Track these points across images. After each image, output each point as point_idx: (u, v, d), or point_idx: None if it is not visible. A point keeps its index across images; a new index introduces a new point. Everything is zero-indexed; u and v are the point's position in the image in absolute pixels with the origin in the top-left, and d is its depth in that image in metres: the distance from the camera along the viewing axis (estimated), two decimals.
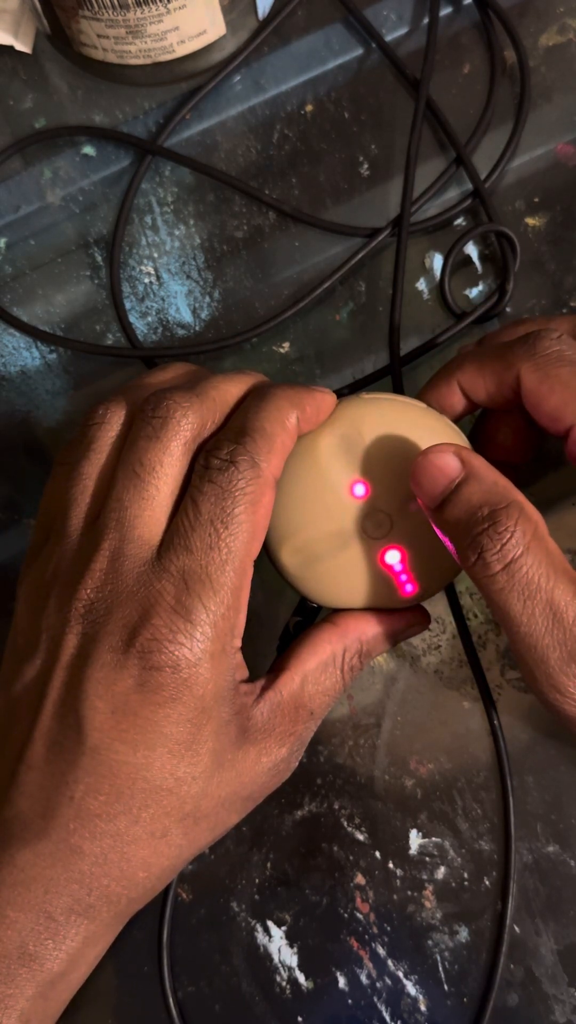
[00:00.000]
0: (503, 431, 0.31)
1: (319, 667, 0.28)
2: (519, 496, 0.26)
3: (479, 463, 0.26)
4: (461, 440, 0.29)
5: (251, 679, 0.27)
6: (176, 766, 0.25)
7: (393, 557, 0.29)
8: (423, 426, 0.29)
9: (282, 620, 0.31)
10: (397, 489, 0.28)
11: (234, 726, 0.26)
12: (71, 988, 0.26)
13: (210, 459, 0.26)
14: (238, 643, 0.26)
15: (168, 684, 0.24)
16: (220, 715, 0.25)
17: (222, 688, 0.25)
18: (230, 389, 0.28)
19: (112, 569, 0.25)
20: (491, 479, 0.26)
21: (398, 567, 0.29)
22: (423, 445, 0.28)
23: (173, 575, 0.25)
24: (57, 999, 0.26)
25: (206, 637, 0.24)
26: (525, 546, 0.25)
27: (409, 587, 0.29)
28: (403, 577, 0.29)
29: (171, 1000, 0.33)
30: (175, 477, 0.26)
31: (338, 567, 0.29)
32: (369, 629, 0.29)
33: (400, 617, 0.30)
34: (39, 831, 0.24)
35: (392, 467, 0.28)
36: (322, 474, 0.28)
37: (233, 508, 0.25)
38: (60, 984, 0.25)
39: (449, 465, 0.26)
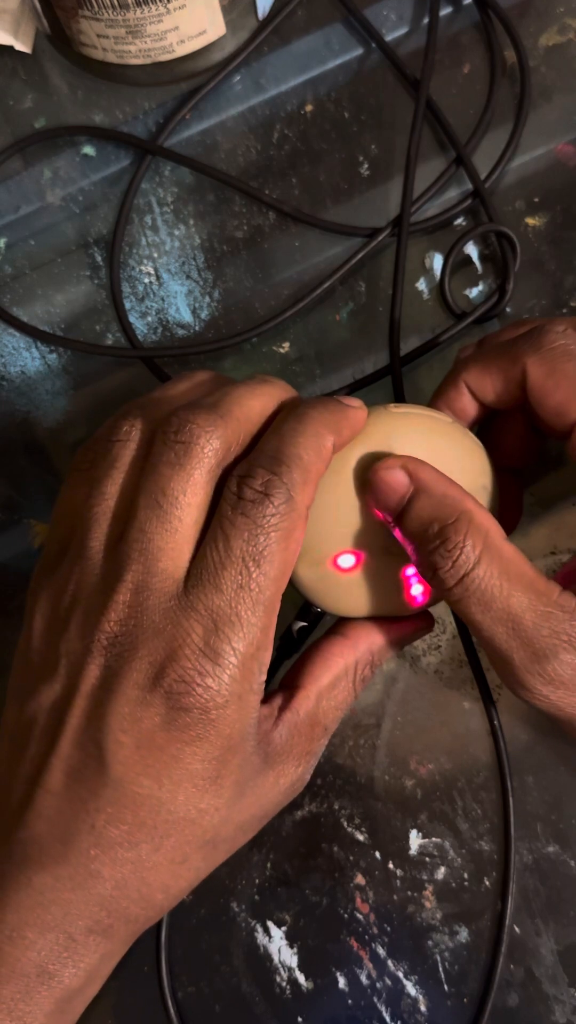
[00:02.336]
0: (506, 437, 0.31)
1: (333, 681, 0.28)
2: (469, 505, 0.26)
3: (428, 476, 0.26)
4: (483, 454, 0.29)
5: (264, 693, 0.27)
6: (200, 799, 0.25)
7: (410, 571, 0.28)
8: (452, 443, 0.28)
9: (284, 623, 0.31)
10: None
11: (257, 756, 0.26)
12: (86, 1001, 0.26)
13: (243, 488, 0.25)
14: (263, 678, 0.25)
15: (196, 724, 0.24)
16: (245, 749, 0.25)
17: (248, 725, 0.25)
18: (254, 405, 0.27)
19: (136, 602, 0.24)
20: (440, 491, 0.26)
21: (413, 579, 0.29)
22: (452, 462, 0.28)
23: (202, 614, 0.24)
24: (72, 1012, 0.26)
25: (234, 680, 0.24)
26: (476, 558, 0.25)
27: (421, 597, 0.29)
28: (416, 588, 0.29)
29: (169, 1000, 0.33)
30: (199, 506, 0.25)
31: (356, 582, 0.28)
32: (380, 638, 0.29)
33: (407, 623, 0.30)
34: (58, 856, 0.24)
35: None
36: (348, 493, 0.28)
37: (266, 545, 0.24)
38: (76, 999, 0.25)
39: (398, 480, 0.26)
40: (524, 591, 0.25)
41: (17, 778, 0.25)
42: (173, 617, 0.24)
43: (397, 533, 0.27)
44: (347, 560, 0.28)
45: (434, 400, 0.31)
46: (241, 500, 0.24)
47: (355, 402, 0.28)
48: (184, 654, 0.24)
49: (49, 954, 0.24)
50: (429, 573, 0.26)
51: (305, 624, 0.31)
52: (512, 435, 0.31)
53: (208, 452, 0.25)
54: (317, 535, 0.28)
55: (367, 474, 0.27)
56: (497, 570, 0.25)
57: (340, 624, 0.29)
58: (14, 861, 0.25)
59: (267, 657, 0.25)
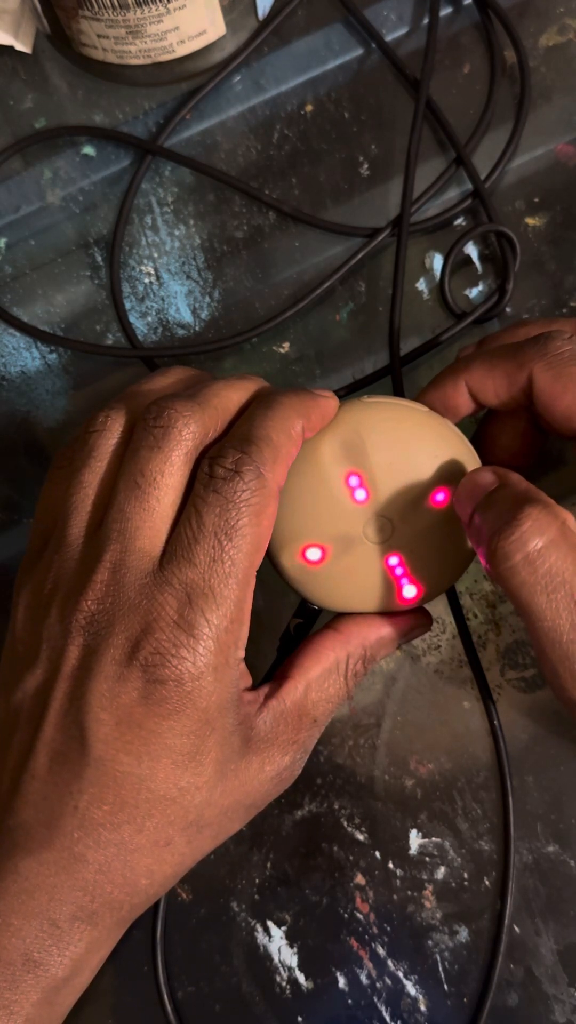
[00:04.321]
0: (507, 434, 0.31)
1: (322, 674, 0.28)
2: (550, 500, 0.26)
3: (514, 477, 0.27)
4: (463, 443, 0.29)
5: (253, 682, 0.27)
6: (180, 776, 0.25)
7: (394, 561, 0.29)
8: (425, 430, 0.29)
9: (283, 621, 0.31)
10: (399, 494, 0.28)
11: (238, 736, 0.26)
12: (75, 992, 0.26)
13: (214, 467, 0.25)
14: (241, 654, 0.26)
15: (172, 697, 0.24)
16: (224, 726, 0.25)
17: (225, 700, 0.25)
18: (232, 396, 0.28)
19: (114, 581, 0.25)
20: (524, 487, 0.26)
21: (399, 571, 0.29)
22: (425, 449, 0.28)
23: (176, 588, 0.24)
24: (62, 1004, 0.26)
25: (209, 651, 0.24)
26: (549, 539, 0.24)
27: (411, 591, 0.29)
28: (404, 581, 0.29)
29: (167, 999, 0.33)
30: (176, 487, 0.26)
31: (340, 571, 0.29)
32: (372, 634, 0.29)
33: (403, 620, 0.30)
34: (43, 840, 0.24)
35: (394, 471, 0.28)
36: (323, 479, 0.28)
37: (237, 520, 0.25)
38: (64, 989, 0.25)
39: (485, 478, 0.27)
40: None
41: (5, 767, 0.26)
42: (148, 592, 0.25)
43: (468, 531, 0.27)
44: (314, 553, 0.29)
45: (427, 393, 0.31)
46: (213, 478, 0.25)
47: (326, 393, 0.29)
48: (159, 627, 0.24)
49: (34, 941, 0.24)
50: (493, 546, 0.25)
51: (302, 621, 0.31)
52: (513, 433, 0.31)
53: (186, 435, 0.26)
54: (296, 524, 0.28)
55: (462, 481, 0.27)
56: (571, 555, 0.24)
57: (334, 619, 0.30)
58: (3, 849, 0.25)
59: (243, 632, 0.25)
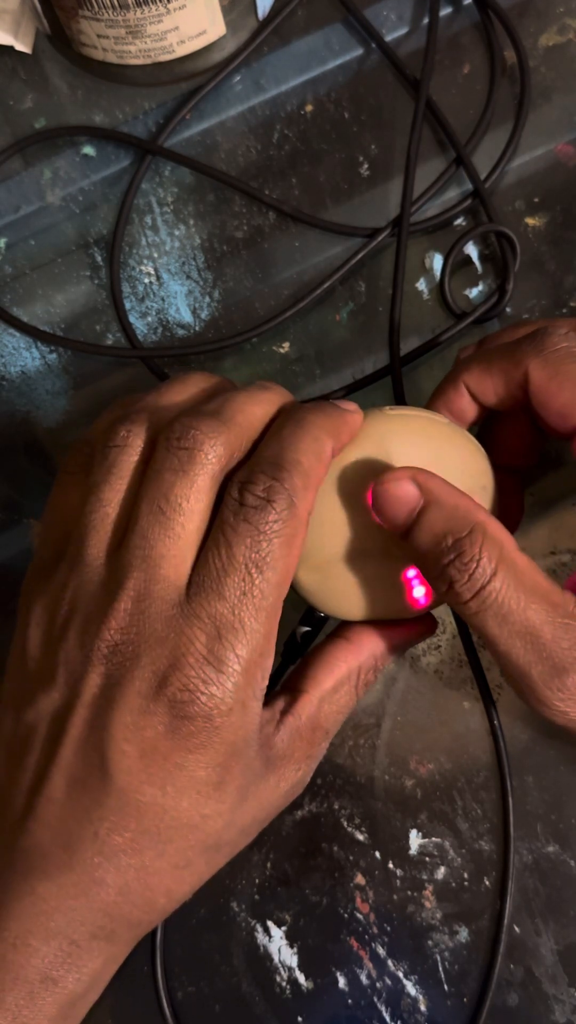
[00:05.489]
0: (507, 435, 0.31)
1: (335, 686, 0.28)
2: (482, 516, 0.25)
3: (437, 487, 0.26)
4: (482, 457, 0.29)
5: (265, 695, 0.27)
6: (204, 805, 0.24)
7: (412, 573, 0.28)
8: (447, 443, 0.28)
9: (289, 624, 0.31)
10: None
11: (259, 760, 0.26)
12: (89, 1004, 0.26)
13: (245, 495, 0.24)
14: (266, 684, 0.25)
15: (200, 732, 0.24)
16: (248, 755, 0.25)
17: (251, 732, 0.25)
18: (256, 411, 0.27)
19: (138, 610, 0.24)
20: (451, 503, 0.26)
21: (415, 581, 0.28)
22: (447, 463, 0.28)
23: (204, 622, 0.24)
24: (76, 1016, 0.26)
25: (238, 687, 0.24)
26: (492, 570, 0.25)
27: (424, 599, 0.29)
28: (419, 590, 0.28)
29: (165, 1000, 0.33)
30: (202, 513, 0.25)
31: (357, 584, 0.28)
32: (382, 643, 0.29)
33: (411, 626, 0.29)
34: (61, 864, 0.24)
35: None
36: (345, 496, 0.28)
37: (269, 551, 0.24)
38: (80, 1003, 0.25)
39: (407, 493, 0.26)
40: (541, 603, 0.25)
41: (18, 787, 0.25)
42: (176, 625, 0.24)
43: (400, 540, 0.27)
44: (347, 561, 0.28)
45: (433, 401, 0.31)
46: (243, 507, 0.24)
47: (351, 406, 0.28)
48: (188, 662, 0.24)
49: (53, 960, 0.24)
50: (443, 587, 0.25)
51: (309, 629, 0.31)
52: (514, 434, 0.31)
53: (212, 458, 0.25)
54: (315, 538, 0.28)
55: (375, 487, 0.26)
56: (513, 582, 0.25)
57: (343, 628, 0.29)
58: (17, 870, 0.24)
59: (270, 663, 0.25)
